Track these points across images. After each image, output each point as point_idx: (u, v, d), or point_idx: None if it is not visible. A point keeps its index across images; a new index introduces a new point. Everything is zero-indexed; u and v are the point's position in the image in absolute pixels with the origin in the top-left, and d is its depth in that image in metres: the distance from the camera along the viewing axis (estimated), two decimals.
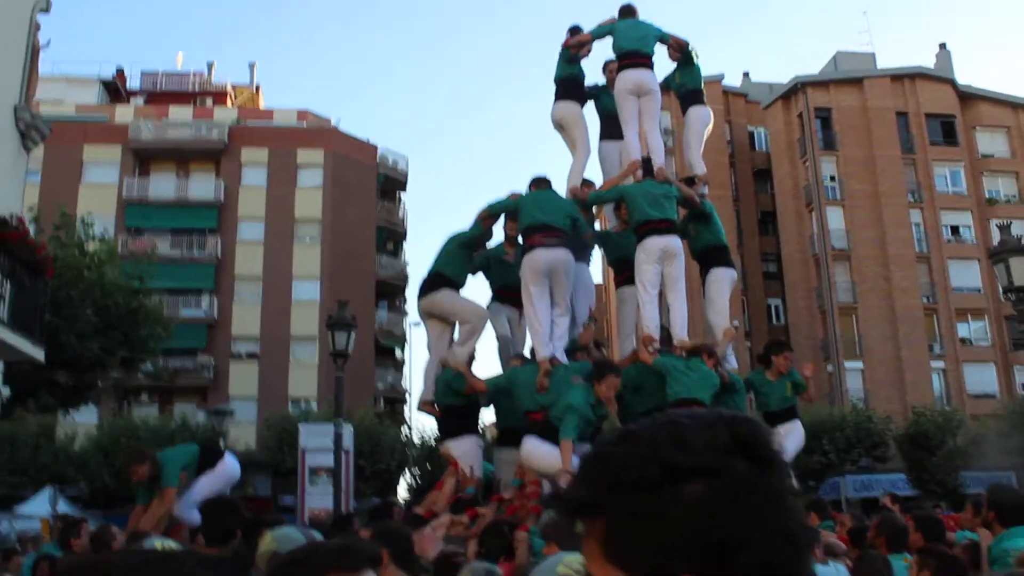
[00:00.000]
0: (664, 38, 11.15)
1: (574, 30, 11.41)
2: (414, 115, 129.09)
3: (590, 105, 11.75)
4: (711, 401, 9.03)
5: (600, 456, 1.08)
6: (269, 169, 49.18)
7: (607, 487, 1.03)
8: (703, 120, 11.43)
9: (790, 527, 1.01)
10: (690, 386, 8.96)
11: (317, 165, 49.39)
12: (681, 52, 11.33)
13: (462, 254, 10.32)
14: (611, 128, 11.33)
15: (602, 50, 11.49)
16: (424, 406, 10.59)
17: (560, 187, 10.71)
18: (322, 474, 18.53)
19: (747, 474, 1.00)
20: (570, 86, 11.35)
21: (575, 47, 11.26)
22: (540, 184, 10.17)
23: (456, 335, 10.21)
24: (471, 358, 10.20)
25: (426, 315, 10.46)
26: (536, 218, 9.73)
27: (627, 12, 11.22)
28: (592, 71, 12.08)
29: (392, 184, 53.94)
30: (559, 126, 11.40)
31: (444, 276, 10.19)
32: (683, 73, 11.47)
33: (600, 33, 11.21)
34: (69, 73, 53.17)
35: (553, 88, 11.45)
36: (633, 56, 10.81)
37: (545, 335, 9.51)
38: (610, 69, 11.39)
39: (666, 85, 11.62)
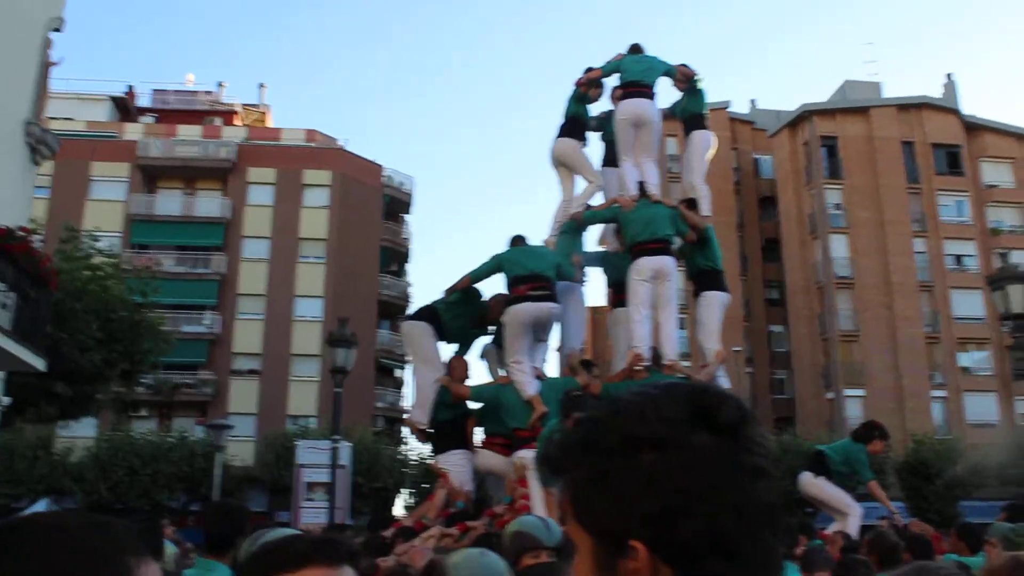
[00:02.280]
0: (671, 71, 11.24)
1: (590, 71, 11.53)
2: (421, 137, 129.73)
3: (595, 143, 11.90)
4: None
5: (579, 421, 1.13)
6: (276, 188, 49.42)
7: (575, 450, 1.10)
8: (705, 143, 11.53)
9: (741, 501, 1.03)
10: None
11: (323, 185, 49.63)
12: (687, 81, 11.45)
13: (467, 310, 10.31)
14: (613, 155, 11.43)
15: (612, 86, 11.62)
16: (413, 427, 10.64)
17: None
18: (318, 490, 18.54)
19: (703, 447, 1.03)
20: (573, 124, 11.43)
21: (585, 85, 11.38)
22: (518, 241, 10.25)
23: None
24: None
25: (406, 339, 10.54)
26: (524, 268, 9.75)
27: (634, 49, 11.38)
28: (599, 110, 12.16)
29: (397, 205, 54.11)
30: (559, 162, 11.43)
31: (436, 313, 10.21)
32: (688, 100, 11.60)
33: (609, 70, 11.35)
34: (80, 90, 53.51)
35: (560, 123, 11.56)
36: (634, 86, 10.90)
37: (529, 376, 9.51)
38: (616, 96, 11.50)
39: (671, 112, 11.74)
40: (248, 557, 2.18)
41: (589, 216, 10.95)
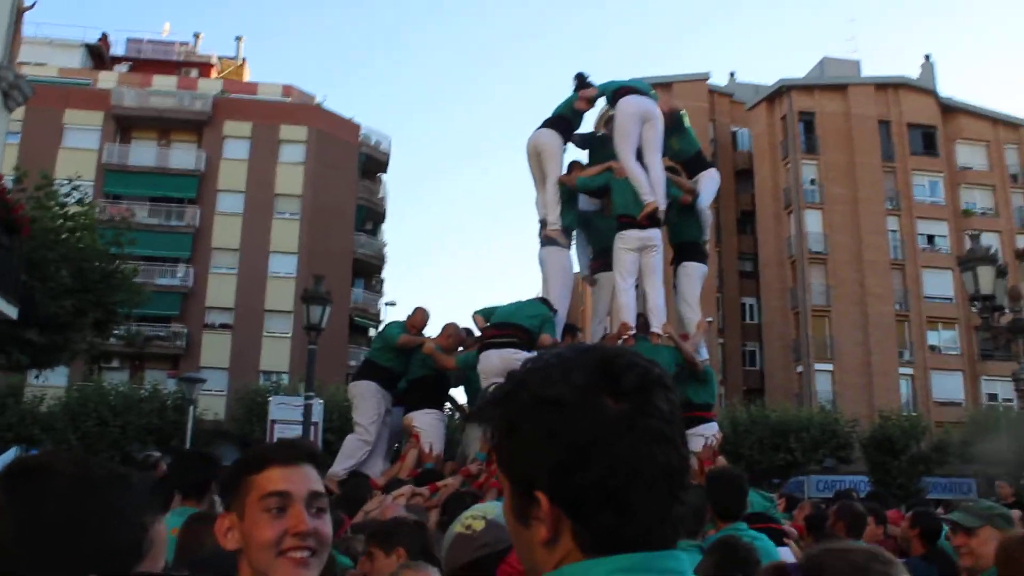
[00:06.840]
0: (652, 93, 11.03)
1: (585, 84, 11.09)
2: (399, 97, 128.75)
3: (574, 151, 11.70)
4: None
5: (507, 377, 1.24)
6: (251, 142, 48.97)
7: (495, 404, 1.21)
8: (714, 184, 11.45)
9: (635, 461, 1.11)
10: None
11: (300, 141, 49.24)
12: (671, 117, 11.12)
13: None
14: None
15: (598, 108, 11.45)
16: (330, 483, 9.13)
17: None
18: None
19: (600, 408, 1.12)
20: (561, 121, 11.06)
21: (585, 102, 11.05)
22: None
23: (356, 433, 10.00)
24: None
25: (352, 398, 10.44)
26: (498, 316, 9.52)
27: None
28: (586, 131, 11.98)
29: (374, 164, 53.83)
30: (535, 154, 11.00)
31: (378, 366, 10.11)
32: (679, 139, 11.31)
33: (602, 89, 11.06)
34: (53, 36, 52.58)
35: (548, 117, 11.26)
36: (633, 88, 10.70)
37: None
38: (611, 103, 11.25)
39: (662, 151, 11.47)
40: (228, 467, 2.32)
41: (583, 184, 10.74)
